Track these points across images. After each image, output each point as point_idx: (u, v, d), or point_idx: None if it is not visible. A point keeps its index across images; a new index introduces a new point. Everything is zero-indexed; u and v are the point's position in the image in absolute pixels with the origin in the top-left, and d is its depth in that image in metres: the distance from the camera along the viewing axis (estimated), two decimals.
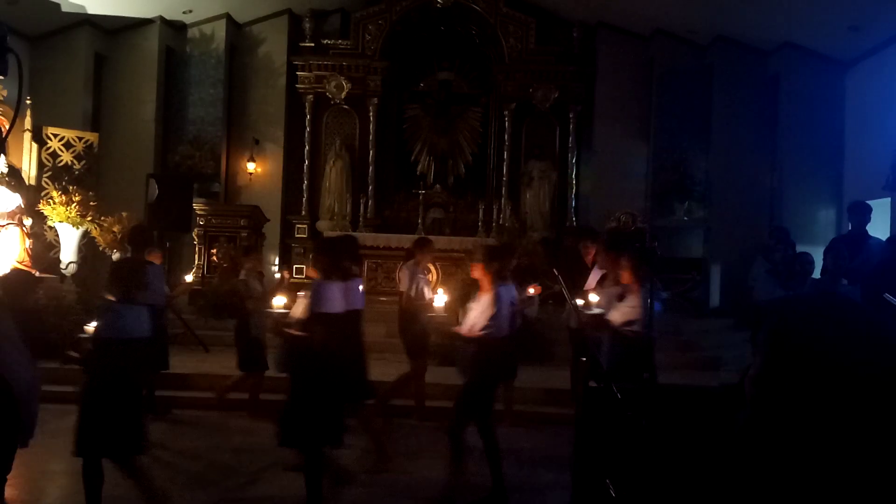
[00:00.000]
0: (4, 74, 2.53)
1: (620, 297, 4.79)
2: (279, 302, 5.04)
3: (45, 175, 10.39)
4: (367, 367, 5.59)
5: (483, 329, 4.70)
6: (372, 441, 5.61)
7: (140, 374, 4.28)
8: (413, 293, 6.71)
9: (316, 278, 4.79)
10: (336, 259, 4.88)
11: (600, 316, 4.73)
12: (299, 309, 4.80)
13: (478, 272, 4.98)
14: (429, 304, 6.61)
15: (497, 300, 4.72)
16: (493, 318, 4.69)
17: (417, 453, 5.95)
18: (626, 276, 4.75)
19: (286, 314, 4.92)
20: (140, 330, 4.19)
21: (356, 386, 5.36)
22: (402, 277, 6.84)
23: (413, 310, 6.72)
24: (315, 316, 4.56)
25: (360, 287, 6.16)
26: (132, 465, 4.16)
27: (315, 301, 4.60)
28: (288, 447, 4.55)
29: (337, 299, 4.71)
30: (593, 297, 4.97)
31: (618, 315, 4.68)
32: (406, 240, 11.13)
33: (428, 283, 6.92)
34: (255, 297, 6.66)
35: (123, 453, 4.14)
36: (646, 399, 4.31)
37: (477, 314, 4.78)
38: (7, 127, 9.65)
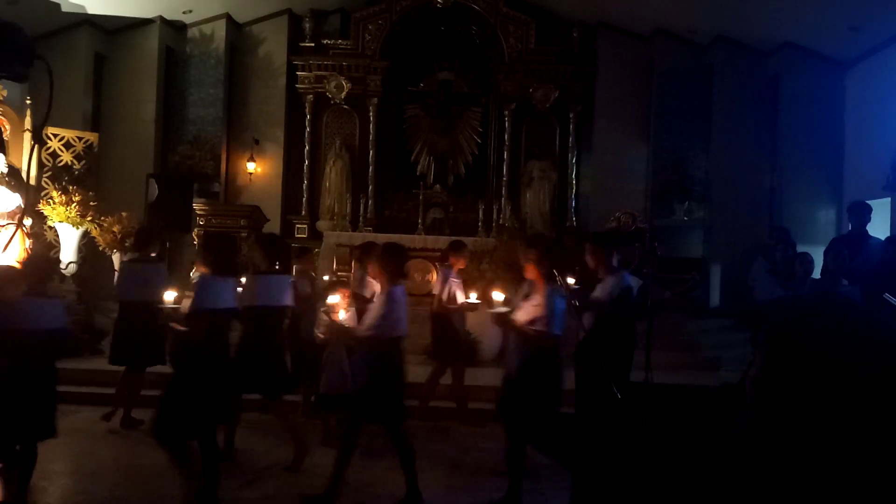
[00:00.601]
0: (24, 81, 2.53)
1: (526, 296, 4.69)
2: (169, 297, 5.03)
3: (44, 175, 10.39)
4: (284, 362, 5.64)
5: (372, 329, 4.64)
6: (291, 437, 5.55)
7: (52, 364, 4.37)
8: (445, 297, 6.73)
9: (202, 273, 4.78)
10: (223, 256, 4.83)
11: (505, 314, 4.68)
12: (187, 304, 4.78)
13: (373, 270, 4.88)
14: (461, 308, 6.61)
15: (389, 300, 4.65)
16: (384, 318, 4.62)
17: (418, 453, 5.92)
18: (530, 272, 4.67)
19: (177, 309, 4.91)
20: (49, 322, 4.30)
21: (266, 380, 5.39)
22: (435, 280, 6.80)
23: (445, 313, 6.74)
24: (196, 312, 4.55)
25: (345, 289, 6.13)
26: (32, 451, 4.28)
27: (197, 297, 4.59)
28: (161, 440, 4.51)
29: (223, 295, 4.68)
30: (498, 296, 4.90)
31: (522, 313, 4.61)
32: (406, 240, 11.16)
33: (461, 286, 6.85)
34: (303, 298, 6.39)
35: (30, 439, 4.25)
36: (643, 399, 4.32)
37: (370, 314, 4.73)
38: (6, 127, 9.68)
